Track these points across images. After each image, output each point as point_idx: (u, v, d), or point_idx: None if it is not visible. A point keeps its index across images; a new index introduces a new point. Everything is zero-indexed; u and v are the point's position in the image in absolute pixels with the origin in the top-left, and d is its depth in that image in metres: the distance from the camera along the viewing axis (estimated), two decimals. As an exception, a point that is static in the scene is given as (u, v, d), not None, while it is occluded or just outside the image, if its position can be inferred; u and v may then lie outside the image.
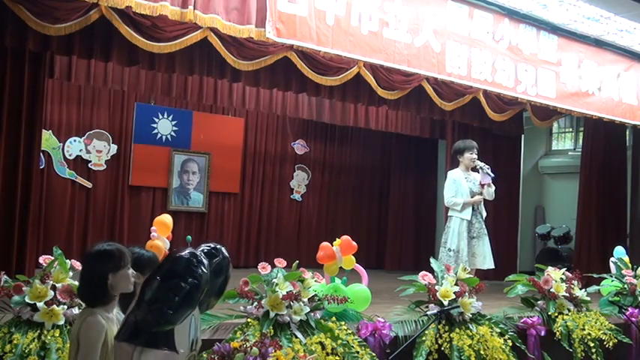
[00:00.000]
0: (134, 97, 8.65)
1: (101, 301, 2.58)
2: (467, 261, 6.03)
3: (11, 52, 5.66)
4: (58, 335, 3.50)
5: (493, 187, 6.27)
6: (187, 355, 2.19)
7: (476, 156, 6.32)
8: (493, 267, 6.31)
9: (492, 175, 6.25)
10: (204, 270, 2.09)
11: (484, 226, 6.32)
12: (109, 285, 2.56)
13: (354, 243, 4.91)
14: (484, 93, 7.30)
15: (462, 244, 6.11)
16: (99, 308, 2.56)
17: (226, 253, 2.28)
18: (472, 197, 6.20)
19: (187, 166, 9.19)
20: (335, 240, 4.92)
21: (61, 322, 3.55)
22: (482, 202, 6.31)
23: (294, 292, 4.15)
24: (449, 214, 6.32)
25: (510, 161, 9.49)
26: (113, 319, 2.57)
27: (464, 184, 6.21)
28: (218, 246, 2.28)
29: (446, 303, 4.59)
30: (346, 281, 4.81)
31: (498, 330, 4.75)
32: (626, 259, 6.31)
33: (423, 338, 4.42)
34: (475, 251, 6.19)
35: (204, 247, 2.25)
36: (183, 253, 2.12)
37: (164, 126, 8.98)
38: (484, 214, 6.35)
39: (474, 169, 6.34)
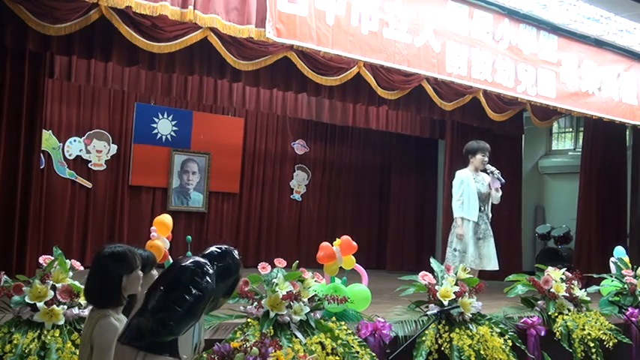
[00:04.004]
0: (134, 97, 8.65)
1: (113, 302, 2.57)
2: (473, 261, 6.04)
3: (11, 52, 5.66)
4: (58, 335, 3.50)
5: (500, 192, 6.32)
6: (191, 358, 2.18)
7: (487, 158, 6.35)
8: (497, 269, 6.32)
9: (503, 180, 6.31)
10: (209, 281, 2.07)
11: (490, 228, 6.33)
12: (122, 287, 2.57)
13: (354, 243, 4.91)
14: (484, 93, 7.29)
15: (469, 245, 6.12)
16: (109, 310, 2.56)
17: (237, 256, 2.27)
18: (480, 198, 6.25)
19: (187, 166, 9.19)
20: (335, 240, 4.92)
21: (61, 322, 3.55)
22: (490, 204, 6.34)
23: (294, 292, 4.15)
24: (455, 215, 6.33)
25: (510, 161, 9.47)
26: (123, 320, 2.57)
27: (472, 185, 6.23)
28: (229, 248, 2.26)
29: (446, 303, 4.59)
30: (346, 281, 4.81)
31: (498, 330, 4.75)
32: (626, 259, 6.31)
33: (423, 338, 4.42)
34: (481, 252, 6.21)
35: (214, 248, 2.24)
36: (188, 263, 2.10)
37: (164, 126, 8.98)
38: (490, 215, 6.37)
39: (484, 171, 6.36)
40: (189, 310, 2.02)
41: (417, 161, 10.86)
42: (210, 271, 2.10)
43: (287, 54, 6.18)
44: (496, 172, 6.30)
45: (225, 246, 2.27)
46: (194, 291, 2.02)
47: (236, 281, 2.28)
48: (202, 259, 2.14)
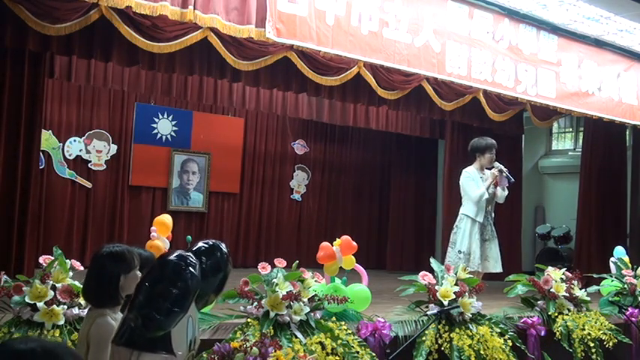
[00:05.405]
0: (134, 97, 8.66)
1: (110, 302, 2.59)
2: (480, 264, 5.97)
3: (11, 52, 5.67)
4: (58, 335, 3.50)
5: (507, 192, 6.20)
6: (186, 355, 2.18)
7: (495, 156, 6.23)
8: (501, 271, 6.21)
9: (513, 179, 6.17)
10: (194, 272, 2.07)
11: (494, 229, 6.23)
12: (120, 286, 2.57)
13: (354, 243, 4.91)
14: (484, 93, 7.29)
15: (474, 246, 6.00)
16: (107, 309, 2.56)
17: (225, 249, 2.26)
18: (487, 197, 6.13)
19: (187, 166, 9.19)
20: (335, 240, 4.91)
21: (61, 322, 3.55)
22: (494, 204, 6.24)
23: (294, 292, 4.14)
24: (460, 214, 6.21)
25: (510, 161, 9.43)
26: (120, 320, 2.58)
27: (480, 184, 6.14)
28: (216, 243, 2.26)
29: (446, 303, 4.59)
30: (346, 281, 4.80)
31: (498, 330, 4.74)
32: (626, 259, 6.30)
33: (423, 338, 4.41)
34: (488, 254, 6.11)
35: (201, 244, 2.24)
36: (171, 257, 2.10)
37: (164, 126, 8.98)
38: (493, 215, 6.28)
39: (489, 169, 6.27)
40: (175, 302, 2.02)
41: (417, 161, 10.86)
42: (195, 263, 2.10)
43: (287, 54, 6.18)
44: (505, 170, 6.16)
45: (213, 240, 2.27)
46: (179, 283, 2.03)
47: (226, 276, 2.27)
48: (186, 253, 2.14)
